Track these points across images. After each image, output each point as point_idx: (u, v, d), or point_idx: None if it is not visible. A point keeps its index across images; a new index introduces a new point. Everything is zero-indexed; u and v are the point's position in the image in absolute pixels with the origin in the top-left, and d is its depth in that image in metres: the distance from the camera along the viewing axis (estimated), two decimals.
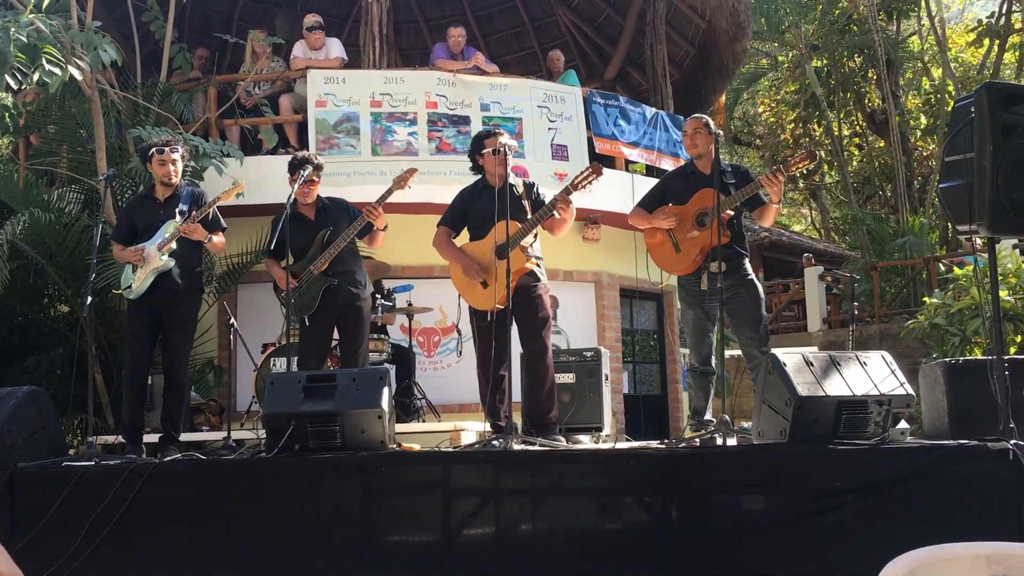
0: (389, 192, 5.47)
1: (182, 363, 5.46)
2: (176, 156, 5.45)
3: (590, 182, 5.02)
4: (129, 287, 5.33)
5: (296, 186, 5.44)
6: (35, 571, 4.11)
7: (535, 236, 5.26)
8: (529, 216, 5.16)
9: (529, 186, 5.39)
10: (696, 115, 5.57)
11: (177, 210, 5.38)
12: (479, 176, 5.43)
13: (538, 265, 5.25)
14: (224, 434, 5.67)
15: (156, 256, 5.29)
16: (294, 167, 5.62)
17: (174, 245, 5.30)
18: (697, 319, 5.36)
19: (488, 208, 5.05)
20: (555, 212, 5.05)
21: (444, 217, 5.49)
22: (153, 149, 5.44)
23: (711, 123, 5.38)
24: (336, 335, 5.77)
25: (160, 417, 5.57)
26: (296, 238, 5.47)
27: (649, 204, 5.52)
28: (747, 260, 5.39)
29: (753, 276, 5.40)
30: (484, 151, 5.25)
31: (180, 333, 5.43)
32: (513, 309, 5.04)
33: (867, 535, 3.83)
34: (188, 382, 5.73)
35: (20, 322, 8.26)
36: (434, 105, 8.66)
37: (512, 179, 5.22)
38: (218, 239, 5.53)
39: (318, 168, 5.61)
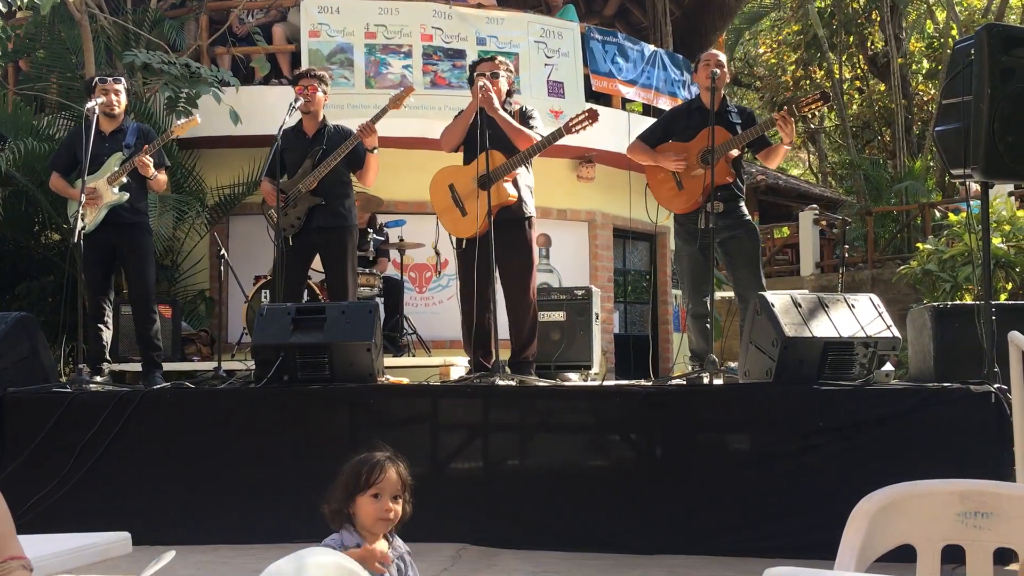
0: (384, 111, 5.42)
1: (148, 291, 5.52)
2: (120, 87, 5.47)
3: (584, 127, 4.96)
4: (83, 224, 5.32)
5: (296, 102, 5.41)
6: (24, 495, 4.15)
7: (529, 168, 5.17)
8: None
9: (525, 115, 5.20)
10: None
11: (124, 144, 5.41)
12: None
13: (521, 197, 5.08)
14: (215, 364, 5.70)
15: (108, 190, 5.32)
16: (298, 77, 5.63)
17: (124, 179, 5.33)
18: (693, 258, 5.27)
19: (475, 134, 4.93)
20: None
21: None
22: (96, 79, 5.47)
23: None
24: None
25: (139, 346, 5.64)
26: (290, 153, 5.48)
27: (651, 139, 5.41)
28: (743, 202, 5.35)
29: (750, 218, 5.37)
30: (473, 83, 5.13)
31: (139, 264, 5.49)
32: (495, 240, 4.88)
33: (849, 474, 3.87)
34: (157, 308, 5.77)
35: (11, 249, 8.23)
36: (429, 38, 8.52)
37: (508, 105, 5.13)
38: (162, 176, 5.55)
39: (319, 78, 5.57)
